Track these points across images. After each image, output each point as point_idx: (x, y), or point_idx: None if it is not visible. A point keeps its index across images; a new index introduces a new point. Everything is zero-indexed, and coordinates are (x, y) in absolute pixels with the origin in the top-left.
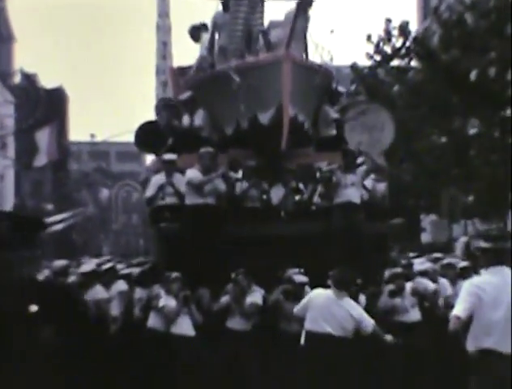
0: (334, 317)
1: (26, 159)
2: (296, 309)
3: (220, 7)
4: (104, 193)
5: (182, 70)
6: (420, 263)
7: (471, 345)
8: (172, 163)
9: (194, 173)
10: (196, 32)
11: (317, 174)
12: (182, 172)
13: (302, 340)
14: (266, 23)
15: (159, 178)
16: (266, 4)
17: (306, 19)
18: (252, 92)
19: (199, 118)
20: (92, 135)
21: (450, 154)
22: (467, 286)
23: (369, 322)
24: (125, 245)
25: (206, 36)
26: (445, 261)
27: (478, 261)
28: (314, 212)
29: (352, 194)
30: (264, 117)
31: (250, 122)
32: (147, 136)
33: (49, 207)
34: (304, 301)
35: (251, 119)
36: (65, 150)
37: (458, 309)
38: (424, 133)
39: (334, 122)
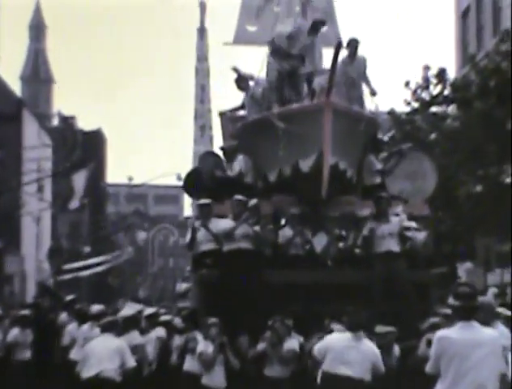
0: (353, 359)
1: (61, 202)
2: (318, 352)
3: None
4: (142, 236)
5: (232, 114)
6: None
7: None
8: (205, 206)
9: (225, 222)
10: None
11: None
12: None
13: (319, 380)
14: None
15: (195, 223)
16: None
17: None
18: (293, 139)
19: (238, 164)
20: (130, 178)
21: (485, 202)
22: (434, 340)
23: (381, 367)
24: (161, 289)
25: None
26: None
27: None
28: (356, 260)
29: (390, 242)
30: (305, 165)
31: (292, 169)
32: (193, 182)
33: (86, 249)
34: (322, 344)
35: (293, 166)
36: (102, 192)
37: (429, 365)
38: (460, 180)
39: (379, 172)
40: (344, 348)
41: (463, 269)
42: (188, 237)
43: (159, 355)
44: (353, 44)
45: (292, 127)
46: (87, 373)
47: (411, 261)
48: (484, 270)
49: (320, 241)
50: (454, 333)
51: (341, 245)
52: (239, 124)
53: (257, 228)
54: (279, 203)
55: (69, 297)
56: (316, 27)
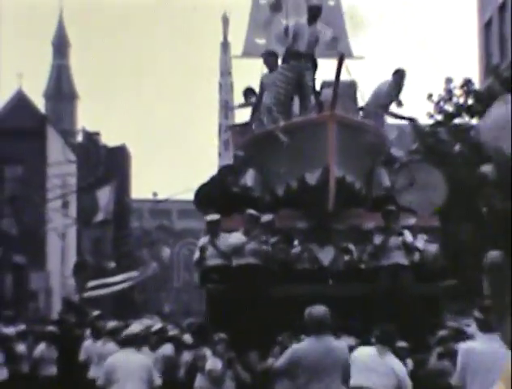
0: (377, 373)
1: (86, 218)
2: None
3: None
4: (166, 251)
5: (241, 128)
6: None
7: None
8: (214, 223)
9: (235, 237)
10: (249, 93)
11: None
12: (231, 232)
13: None
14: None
15: (203, 240)
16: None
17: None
18: (299, 152)
19: (250, 178)
20: (155, 194)
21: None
22: (460, 352)
23: (408, 382)
24: (186, 304)
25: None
26: None
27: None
28: (363, 273)
29: (398, 255)
30: (311, 178)
31: (299, 183)
32: (203, 198)
33: (111, 265)
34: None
35: (299, 179)
36: (127, 208)
37: (455, 377)
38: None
39: (388, 186)
40: (369, 361)
41: None
42: (196, 255)
43: (164, 373)
44: (400, 74)
45: (298, 140)
46: None
47: (421, 274)
48: None
49: (327, 255)
50: (478, 345)
51: (347, 258)
52: (246, 136)
53: (267, 246)
54: (287, 218)
55: (95, 313)
56: (313, 14)
